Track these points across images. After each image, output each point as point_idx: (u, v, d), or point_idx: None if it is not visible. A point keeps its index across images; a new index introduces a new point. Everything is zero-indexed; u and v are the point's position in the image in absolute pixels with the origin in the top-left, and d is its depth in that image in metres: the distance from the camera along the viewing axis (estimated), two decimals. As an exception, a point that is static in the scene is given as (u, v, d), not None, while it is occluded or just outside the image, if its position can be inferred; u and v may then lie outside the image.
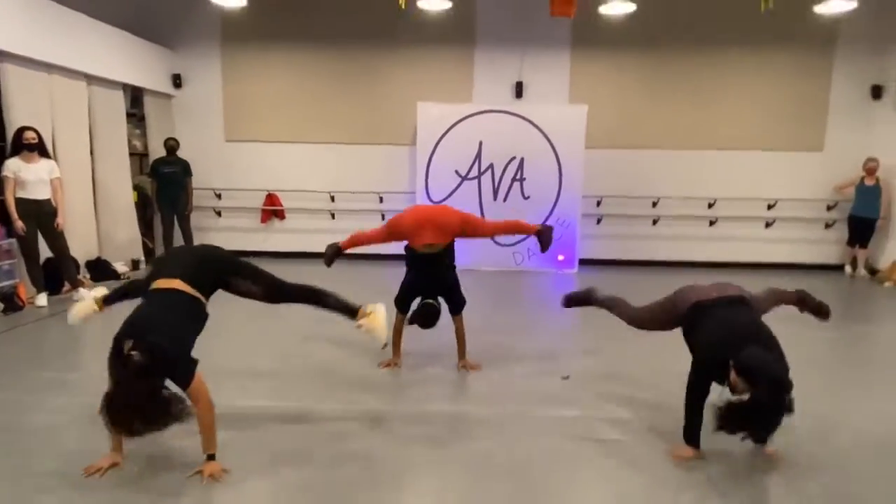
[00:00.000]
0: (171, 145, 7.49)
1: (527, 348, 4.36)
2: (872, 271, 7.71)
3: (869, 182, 7.48)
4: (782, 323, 2.85)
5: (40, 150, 5.31)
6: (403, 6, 5.33)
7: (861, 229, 7.63)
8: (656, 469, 2.67)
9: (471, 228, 3.87)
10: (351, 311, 2.96)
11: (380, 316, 2.93)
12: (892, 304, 6.46)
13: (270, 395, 3.45)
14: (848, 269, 7.87)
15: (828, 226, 8.13)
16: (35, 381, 3.65)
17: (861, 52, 7.79)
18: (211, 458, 2.47)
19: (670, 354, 4.34)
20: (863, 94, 7.88)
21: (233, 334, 4.50)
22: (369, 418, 3.15)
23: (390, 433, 2.99)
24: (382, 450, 2.81)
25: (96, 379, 3.87)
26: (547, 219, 7.75)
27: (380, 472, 2.62)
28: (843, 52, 7.83)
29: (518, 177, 7.73)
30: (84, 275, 6.33)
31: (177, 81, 8.11)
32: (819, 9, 6.55)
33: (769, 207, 8.11)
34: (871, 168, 7.47)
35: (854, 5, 6.31)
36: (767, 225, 8.13)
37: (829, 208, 8.07)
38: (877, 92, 7.78)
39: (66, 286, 5.77)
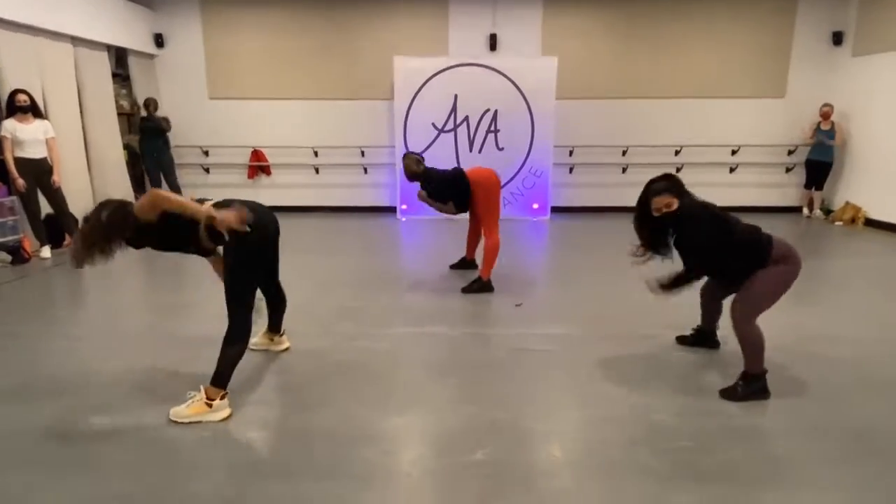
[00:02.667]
0: (151, 104, 7.76)
1: (497, 283, 4.81)
2: (827, 212, 8.19)
3: (824, 126, 7.85)
4: None
5: (34, 111, 5.63)
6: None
7: (816, 173, 8.07)
8: (570, 369, 3.20)
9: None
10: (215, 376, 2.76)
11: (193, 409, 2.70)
12: (841, 242, 6.96)
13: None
14: (805, 210, 8.35)
15: (788, 170, 8.55)
16: (49, 318, 4.14)
17: (823, -1, 8.03)
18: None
19: (614, 289, 4.88)
20: (824, 41, 8.17)
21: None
22: (347, 336, 3.65)
23: (360, 350, 3.50)
24: (363, 362, 3.33)
25: (98, 315, 4.39)
26: (521, 168, 8.17)
27: (362, 378, 3.14)
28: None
29: (492, 128, 8.07)
30: (83, 229, 6.74)
31: (159, 41, 8.31)
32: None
33: (733, 153, 8.50)
34: (825, 113, 7.83)
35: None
36: (731, 170, 8.54)
37: (789, 153, 8.47)
38: (837, 38, 8.06)
39: (68, 239, 6.20)
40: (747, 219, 2.95)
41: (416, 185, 4.83)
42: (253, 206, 2.76)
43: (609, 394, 2.93)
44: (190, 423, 2.62)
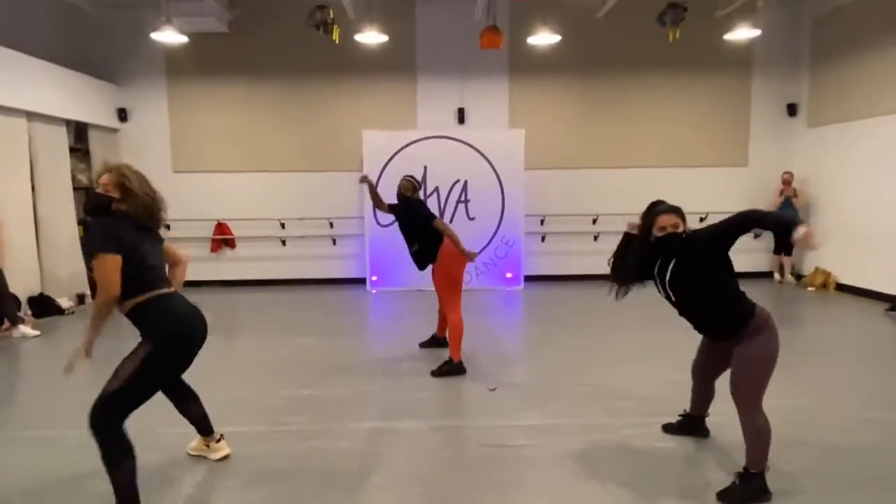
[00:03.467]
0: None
1: (469, 363, 4.50)
2: (798, 277, 8.21)
3: (788, 192, 8.00)
4: None
5: (-24, 188, 5.32)
6: (337, 40, 5.57)
7: (784, 238, 8.11)
8: (550, 469, 2.89)
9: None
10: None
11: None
12: (816, 308, 6.91)
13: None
14: (776, 275, 8.36)
15: (756, 236, 8.61)
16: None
17: (776, 72, 8.40)
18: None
19: (591, 365, 4.63)
20: (780, 112, 8.48)
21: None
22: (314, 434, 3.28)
23: (314, 452, 3.13)
24: (315, 469, 2.95)
25: (33, 407, 3.92)
26: (492, 238, 8.06)
27: (311, 489, 2.76)
28: (759, 73, 8.43)
29: (463, 198, 8.00)
30: (26, 311, 6.29)
31: (122, 115, 8.18)
32: (728, 37, 7.08)
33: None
34: (786, 180, 8.01)
35: (758, 32, 6.87)
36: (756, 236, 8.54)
37: (756, 219, 8.56)
38: (792, 109, 8.38)
39: (6, 324, 5.73)
40: None
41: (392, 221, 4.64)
42: (185, 313, 2.54)
43: (591, 500, 2.61)
44: None
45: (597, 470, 2.88)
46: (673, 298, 2.73)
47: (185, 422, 2.95)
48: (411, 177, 4.76)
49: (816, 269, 7.93)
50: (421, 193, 7.75)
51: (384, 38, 6.76)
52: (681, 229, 2.67)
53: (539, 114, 8.40)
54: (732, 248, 2.71)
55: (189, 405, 2.90)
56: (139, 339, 2.49)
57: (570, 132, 8.46)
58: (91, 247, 2.43)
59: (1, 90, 6.00)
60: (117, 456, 2.31)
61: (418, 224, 4.50)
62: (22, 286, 6.28)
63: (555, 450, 3.10)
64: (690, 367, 3.16)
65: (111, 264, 2.33)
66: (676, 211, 2.70)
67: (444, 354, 4.48)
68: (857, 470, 2.86)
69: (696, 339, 3.05)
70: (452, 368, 4.32)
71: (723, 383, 2.82)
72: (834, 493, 2.65)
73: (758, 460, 2.57)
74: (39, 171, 6.72)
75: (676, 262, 2.67)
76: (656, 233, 2.69)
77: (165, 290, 2.52)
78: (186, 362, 2.58)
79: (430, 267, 4.51)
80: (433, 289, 4.61)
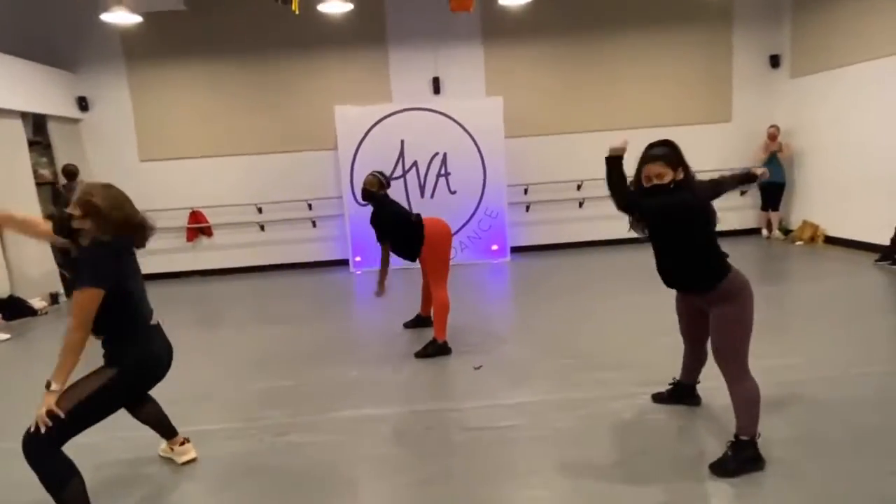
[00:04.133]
0: (70, 170, 7.15)
1: (452, 341, 4.36)
2: (786, 231, 8.12)
3: (772, 147, 7.84)
4: None
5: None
6: (297, 11, 5.27)
7: (770, 194, 8.03)
8: (538, 450, 2.77)
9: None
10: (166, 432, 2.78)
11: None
12: (804, 263, 6.82)
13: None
14: (764, 231, 8.26)
15: (742, 193, 8.49)
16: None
17: (757, 24, 8.16)
18: (48, 387, 2.16)
19: (578, 336, 4.51)
20: (763, 64, 8.27)
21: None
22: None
23: (289, 448, 2.99)
24: (290, 466, 2.81)
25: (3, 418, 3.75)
26: (475, 211, 7.87)
27: (286, 490, 2.62)
28: (740, 25, 8.18)
29: (443, 172, 7.78)
30: (-5, 315, 6.07)
31: (82, 104, 7.82)
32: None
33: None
34: (772, 134, 7.84)
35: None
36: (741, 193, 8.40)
37: (742, 176, 8.42)
38: (775, 61, 8.17)
39: (-27, 329, 5.52)
40: None
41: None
42: (161, 348, 2.47)
43: (584, 483, 2.50)
44: None
45: (587, 448, 2.77)
46: (656, 241, 2.62)
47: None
48: (379, 172, 4.49)
49: (804, 222, 7.84)
50: (399, 169, 7.68)
51: (349, 6, 6.42)
52: (667, 179, 2.51)
53: (516, 79, 8.13)
54: (718, 206, 2.57)
55: (144, 409, 2.74)
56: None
57: (549, 97, 8.21)
58: (77, 276, 2.21)
59: (-55, 84, 5.67)
60: (62, 477, 2.15)
61: (394, 223, 4.29)
62: (-11, 289, 6.04)
63: (542, 429, 2.98)
64: (679, 332, 3.04)
65: (95, 299, 2.16)
66: (665, 158, 2.52)
67: (429, 334, 4.34)
68: (849, 428, 2.78)
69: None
70: (437, 349, 4.18)
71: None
72: (826, 456, 2.55)
73: (748, 427, 2.47)
74: (-2, 168, 6.41)
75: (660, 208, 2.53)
76: (644, 182, 2.55)
77: (150, 323, 2.42)
78: (145, 392, 2.50)
79: None
80: (419, 266, 4.43)
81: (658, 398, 3.22)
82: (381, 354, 4.31)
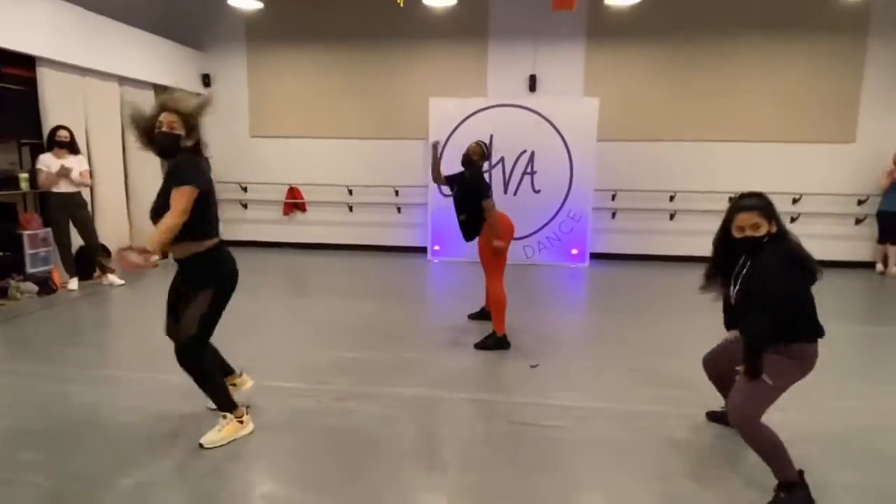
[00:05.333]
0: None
1: (514, 338, 4.39)
2: (905, 269, 7.32)
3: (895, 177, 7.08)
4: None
5: (71, 147, 5.79)
6: (401, 4, 5.47)
7: (891, 225, 7.25)
8: (582, 455, 2.75)
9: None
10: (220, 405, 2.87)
11: (214, 431, 2.81)
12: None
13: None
14: (879, 266, 7.49)
15: (858, 221, 7.74)
16: (52, 356, 4.05)
17: (895, 37, 7.37)
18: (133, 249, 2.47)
19: (646, 350, 4.38)
20: (899, 82, 7.46)
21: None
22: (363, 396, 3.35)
23: (345, 413, 3.18)
24: (343, 431, 3.01)
25: (115, 352, 4.28)
26: (558, 212, 7.78)
27: (335, 452, 2.81)
28: (876, 38, 7.42)
29: (529, 170, 7.75)
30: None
31: (206, 81, 8.58)
32: (840, -6, 6.25)
33: (794, 202, 7.79)
34: (900, 160, 7.07)
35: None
36: (793, 220, 7.80)
37: (859, 203, 7.68)
38: (914, 79, 7.34)
39: (97, 272, 6.28)
40: None
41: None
42: (233, 260, 2.84)
43: (619, 495, 2.46)
44: (226, 444, 2.74)
45: (631, 460, 2.71)
46: (740, 303, 2.49)
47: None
48: (483, 142, 4.56)
49: (928, 261, 7.02)
50: (487, 164, 7.73)
51: (453, 1, 6.56)
52: (762, 231, 2.37)
53: (617, 81, 7.90)
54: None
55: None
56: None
57: (649, 101, 7.91)
58: (179, 179, 2.54)
59: (97, 56, 6.45)
60: (212, 376, 2.79)
61: (472, 195, 4.36)
62: (113, 239, 6.82)
63: (588, 434, 2.95)
64: (702, 361, 2.93)
65: (191, 196, 2.54)
66: (760, 209, 2.38)
67: (491, 327, 4.39)
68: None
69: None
70: (496, 342, 4.23)
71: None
72: (901, 513, 2.33)
73: (784, 471, 2.30)
74: (129, 133, 7.19)
75: (747, 269, 2.44)
76: (735, 233, 2.44)
77: (220, 238, 2.80)
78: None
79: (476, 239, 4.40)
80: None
81: (712, 417, 3.09)
82: (443, 340, 4.43)
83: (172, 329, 2.81)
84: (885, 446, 2.87)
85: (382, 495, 2.40)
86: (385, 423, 3.05)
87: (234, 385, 3.12)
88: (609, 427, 3.03)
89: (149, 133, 2.71)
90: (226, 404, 2.82)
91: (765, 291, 2.31)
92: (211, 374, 2.80)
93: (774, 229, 2.40)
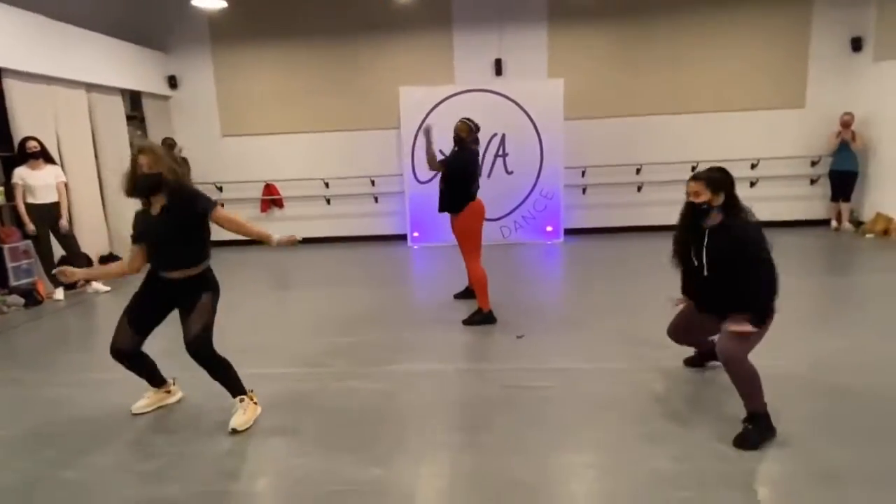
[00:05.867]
0: (169, 143, 7.91)
1: (499, 313, 4.62)
2: (857, 224, 7.80)
3: (846, 136, 7.52)
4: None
5: (44, 156, 5.78)
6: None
7: (842, 183, 7.71)
8: (566, 409, 3.02)
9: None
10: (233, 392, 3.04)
11: (240, 414, 2.98)
12: (872, 256, 6.58)
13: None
14: (833, 223, 7.96)
15: (813, 181, 8.20)
16: (53, 363, 4.14)
17: (838, 4, 7.78)
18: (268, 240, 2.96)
19: (622, 314, 4.67)
20: (843, 47, 7.88)
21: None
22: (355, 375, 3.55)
23: (347, 391, 3.38)
24: (347, 405, 3.21)
25: (104, 358, 4.38)
26: (531, 192, 8.04)
27: (344, 422, 3.02)
28: (820, 5, 7.83)
29: (501, 153, 7.98)
30: (98, 270, 6.86)
31: (172, 82, 8.55)
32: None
33: (752, 167, 8.20)
34: (846, 122, 7.52)
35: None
36: (752, 184, 8.23)
37: (813, 164, 8.13)
38: (857, 44, 7.77)
39: (81, 281, 6.29)
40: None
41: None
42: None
43: (606, 438, 2.73)
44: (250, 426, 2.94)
45: (611, 412, 2.98)
46: (704, 271, 2.76)
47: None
48: (469, 119, 4.67)
49: (877, 214, 7.50)
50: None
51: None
52: (701, 199, 2.70)
53: (580, 61, 8.16)
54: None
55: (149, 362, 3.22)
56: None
57: (612, 79, 8.20)
58: (202, 206, 2.87)
59: (64, 64, 6.41)
60: (225, 367, 2.98)
61: (460, 174, 4.49)
62: (93, 246, 6.84)
63: (573, 391, 3.22)
64: (666, 332, 3.25)
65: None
66: (704, 179, 2.71)
67: (476, 305, 4.63)
68: (870, 414, 2.84)
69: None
70: (483, 318, 4.47)
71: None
72: (836, 437, 2.64)
73: (758, 402, 2.61)
74: (100, 139, 7.18)
75: (709, 237, 2.73)
76: (686, 198, 2.79)
77: None
78: None
79: (447, 218, 4.59)
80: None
81: (690, 362, 3.43)
82: (432, 320, 4.65)
83: (132, 339, 3.01)
84: (840, 381, 3.21)
85: (395, 456, 2.63)
86: (386, 397, 3.26)
87: (169, 392, 3.28)
88: (593, 384, 3.31)
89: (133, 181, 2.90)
90: (240, 388, 3.01)
91: (758, 249, 2.59)
92: (223, 363, 2.97)
93: (720, 200, 2.70)
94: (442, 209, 4.58)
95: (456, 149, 4.64)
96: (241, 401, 2.99)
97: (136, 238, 2.98)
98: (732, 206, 2.71)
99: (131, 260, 3.03)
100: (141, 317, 3.00)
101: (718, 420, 2.80)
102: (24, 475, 2.61)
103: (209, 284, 2.98)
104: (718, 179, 2.71)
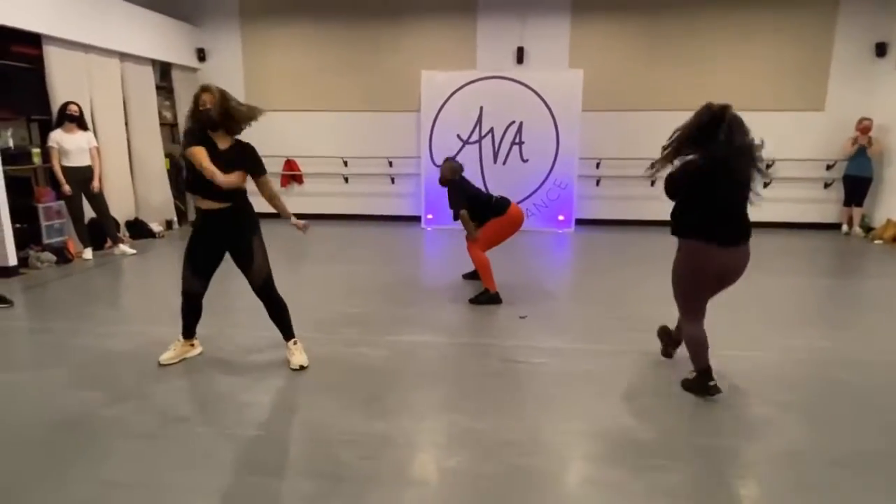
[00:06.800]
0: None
1: (505, 295, 4.81)
2: (868, 229, 7.84)
3: (862, 141, 7.54)
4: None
5: (79, 122, 6.05)
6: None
7: (855, 188, 7.75)
8: (559, 383, 3.22)
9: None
10: (286, 333, 3.48)
11: (299, 353, 3.43)
12: (880, 261, 6.64)
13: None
14: (844, 227, 8.01)
15: (827, 185, 8.24)
16: (84, 315, 4.43)
17: (865, 9, 7.74)
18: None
19: (625, 301, 4.84)
20: (866, 52, 7.86)
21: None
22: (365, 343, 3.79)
23: (357, 356, 3.62)
24: (356, 368, 3.45)
25: (134, 312, 4.68)
26: (545, 180, 8.18)
27: (353, 383, 3.26)
28: (846, 9, 7.80)
29: (517, 140, 8.12)
30: (124, 233, 7.17)
31: (201, 55, 8.78)
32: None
33: (768, 167, 8.19)
34: (865, 127, 7.53)
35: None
36: (766, 185, 8.23)
37: (828, 168, 8.16)
38: (881, 49, 7.75)
39: (109, 242, 6.61)
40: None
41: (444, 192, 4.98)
42: None
43: (594, 409, 2.94)
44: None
45: (602, 387, 3.18)
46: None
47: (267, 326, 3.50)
48: (451, 160, 4.97)
49: (888, 221, 7.54)
50: (476, 134, 8.07)
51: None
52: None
53: (601, 53, 8.23)
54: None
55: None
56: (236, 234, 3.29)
57: (632, 72, 8.27)
58: (259, 166, 3.33)
59: (98, 33, 6.65)
60: (284, 307, 3.43)
61: (472, 202, 4.79)
62: (120, 210, 7.14)
63: (568, 368, 3.43)
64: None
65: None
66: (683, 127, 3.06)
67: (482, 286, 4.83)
68: (859, 405, 3.00)
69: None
70: (489, 298, 4.68)
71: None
72: (804, 425, 2.82)
73: (698, 362, 3.02)
74: (131, 107, 7.45)
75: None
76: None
77: None
78: None
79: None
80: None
81: (666, 354, 3.61)
82: (440, 298, 4.87)
83: (193, 281, 3.33)
84: (833, 373, 3.37)
85: (399, 413, 2.86)
86: (394, 363, 3.50)
87: (193, 346, 3.56)
88: (587, 362, 3.51)
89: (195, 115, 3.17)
90: (292, 331, 3.47)
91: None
92: (283, 304, 3.41)
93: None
94: (480, 223, 4.82)
95: (447, 189, 4.87)
96: (295, 343, 3.44)
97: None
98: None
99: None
100: (199, 261, 3.32)
101: (697, 403, 2.99)
102: (66, 413, 2.89)
103: (251, 225, 3.29)
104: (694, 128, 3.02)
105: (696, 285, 3.01)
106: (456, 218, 4.82)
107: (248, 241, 3.26)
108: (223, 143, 3.20)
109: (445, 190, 4.92)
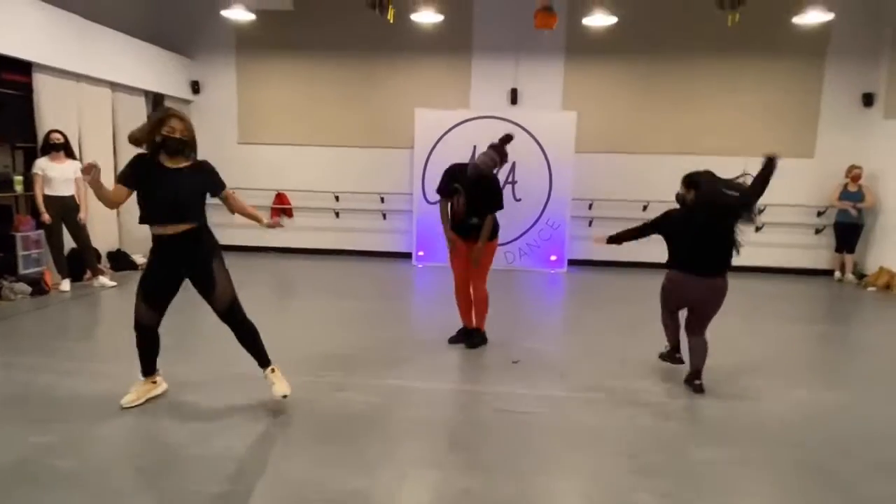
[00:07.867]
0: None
1: (497, 336, 4.65)
2: (860, 276, 7.81)
3: (852, 189, 7.59)
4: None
5: (66, 150, 5.93)
6: (391, 20, 5.76)
7: (847, 235, 7.76)
8: (552, 435, 3.04)
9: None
10: (261, 360, 3.31)
11: (280, 381, 3.26)
12: (873, 308, 6.59)
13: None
14: (837, 273, 7.98)
15: (818, 231, 8.25)
16: (50, 350, 4.20)
17: (852, 60, 7.92)
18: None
19: (617, 346, 4.71)
20: (854, 102, 8.01)
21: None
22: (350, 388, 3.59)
23: (341, 402, 3.42)
24: (339, 416, 3.25)
25: (106, 349, 4.45)
26: (537, 220, 8.12)
27: (334, 433, 3.05)
28: (833, 60, 7.97)
29: (510, 180, 8.09)
30: (105, 264, 6.97)
31: (195, 88, 8.76)
32: (798, 20, 6.72)
33: (759, 212, 8.25)
34: (855, 175, 7.59)
35: (831, 16, 6.50)
36: (757, 229, 8.26)
37: (819, 214, 8.19)
38: (868, 99, 7.89)
39: (88, 274, 6.40)
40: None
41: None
42: None
43: (593, 466, 2.75)
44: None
45: (595, 440, 3.01)
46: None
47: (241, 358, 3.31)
48: (495, 147, 4.78)
49: (881, 268, 7.52)
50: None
51: (440, 17, 6.89)
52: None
53: (594, 96, 8.32)
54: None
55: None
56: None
57: (624, 116, 8.34)
58: (218, 182, 3.28)
59: (91, 62, 6.61)
60: (253, 329, 3.25)
61: (490, 202, 4.56)
62: (103, 241, 6.96)
63: (561, 418, 3.26)
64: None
65: None
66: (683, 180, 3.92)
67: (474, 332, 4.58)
68: (842, 454, 2.85)
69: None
70: (482, 338, 4.51)
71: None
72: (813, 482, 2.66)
73: (670, 340, 3.96)
74: (120, 137, 7.34)
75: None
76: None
77: None
78: None
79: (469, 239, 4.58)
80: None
81: (662, 357, 4.06)
82: (430, 337, 4.69)
83: (149, 314, 3.18)
84: (825, 424, 3.22)
85: (381, 468, 2.65)
86: (378, 410, 3.30)
87: (155, 383, 3.35)
88: (584, 413, 3.33)
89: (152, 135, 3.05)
90: (267, 357, 3.29)
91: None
92: (253, 329, 3.24)
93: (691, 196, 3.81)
94: (470, 236, 4.49)
95: (479, 177, 4.59)
96: (273, 371, 3.26)
97: (133, 182, 3.07)
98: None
99: (116, 194, 3.10)
100: (155, 292, 3.14)
101: (702, 462, 2.82)
102: (11, 457, 2.65)
103: (211, 247, 3.17)
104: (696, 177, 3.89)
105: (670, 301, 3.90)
106: (485, 216, 4.45)
107: (207, 264, 3.13)
108: (174, 164, 3.09)
109: (478, 183, 4.54)
